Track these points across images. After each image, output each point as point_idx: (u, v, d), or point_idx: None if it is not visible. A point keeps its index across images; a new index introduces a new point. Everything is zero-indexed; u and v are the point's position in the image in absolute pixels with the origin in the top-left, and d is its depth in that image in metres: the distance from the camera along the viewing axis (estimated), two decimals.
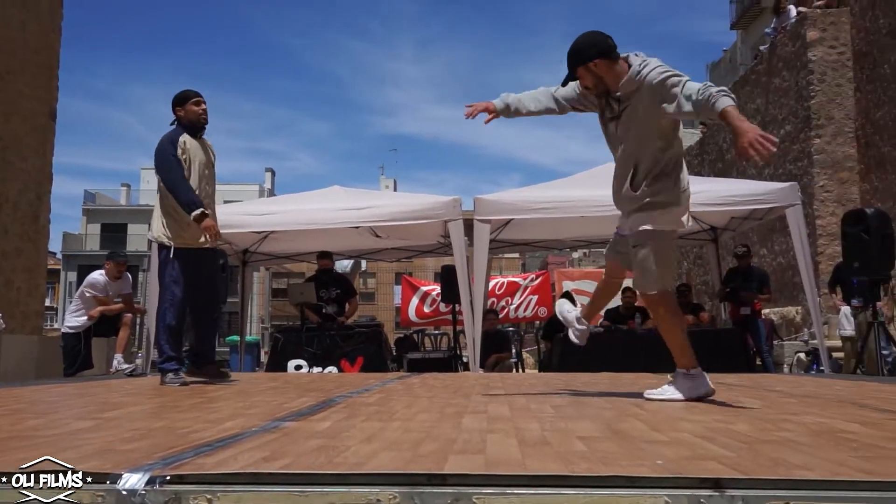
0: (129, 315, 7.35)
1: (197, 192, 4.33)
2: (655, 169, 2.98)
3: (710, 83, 2.85)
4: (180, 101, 4.45)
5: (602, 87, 3.03)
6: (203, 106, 4.46)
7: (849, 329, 7.96)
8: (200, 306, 4.54)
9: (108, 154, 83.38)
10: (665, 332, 3.07)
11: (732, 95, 2.76)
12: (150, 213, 4.81)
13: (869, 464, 1.46)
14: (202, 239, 4.36)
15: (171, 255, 4.36)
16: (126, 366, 6.99)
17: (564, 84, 3.10)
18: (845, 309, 7.96)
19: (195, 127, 4.45)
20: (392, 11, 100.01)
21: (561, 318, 3.48)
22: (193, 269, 4.39)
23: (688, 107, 2.79)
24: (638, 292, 3.08)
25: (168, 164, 4.31)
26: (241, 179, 39.30)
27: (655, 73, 2.87)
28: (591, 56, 2.95)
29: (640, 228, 3.02)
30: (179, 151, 4.32)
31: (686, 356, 3.02)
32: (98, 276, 7.25)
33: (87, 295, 7.11)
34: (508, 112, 3.23)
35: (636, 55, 2.99)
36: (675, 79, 2.85)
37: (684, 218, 3.08)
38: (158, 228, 4.42)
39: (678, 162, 3.05)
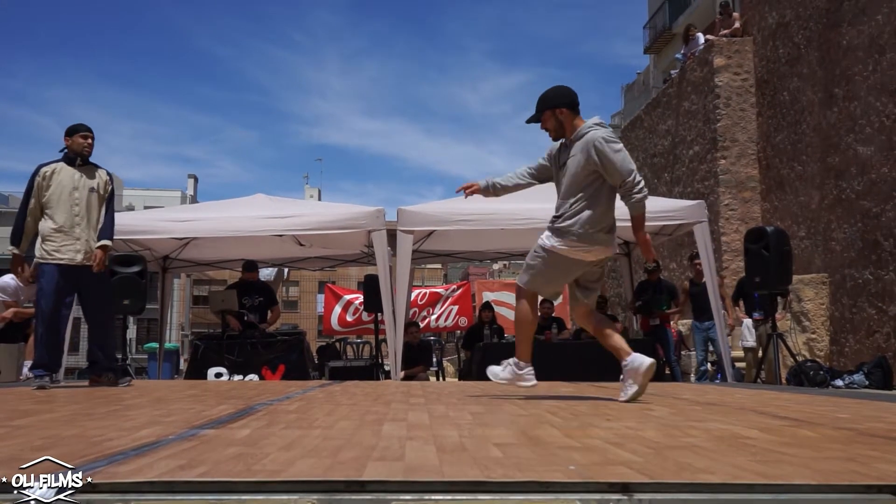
0: None
1: (62, 216, 4.72)
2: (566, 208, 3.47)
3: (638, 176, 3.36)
4: (70, 132, 4.87)
5: (560, 132, 3.51)
6: (89, 140, 4.90)
7: (750, 340, 8.37)
8: (90, 317, 4.86)
9: (23, 156, 78.86)
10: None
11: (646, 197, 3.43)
12: None
13: (766, 467, 1.54)
14: (70, 256, 4.72)
15: (38, 270, 4.75)
16: None
17: (528, 122, 3.58)
18: (747, 321, 8.36)
19: (79, 156, 4.85)
20: (317, 23, 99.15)
21: (500, 380, 3.72)
22: (61, 283, 4.72)
23: (617, 180, 3.35)
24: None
25: (25, 189, 4.81)
26: (162, 185, 37.96)
27: (597, 134, 3.36)
28: (559, 104, 3.48)
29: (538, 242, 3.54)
30: (40, 178, 4.73)
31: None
32: (9, 279, 6.84)
33: None
34: (489, 192, 3.75)
35: (594, 120, 3.50)
36: (616, 146, 3.36)
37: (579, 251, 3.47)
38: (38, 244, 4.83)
39: (584, 208, 3.44)
